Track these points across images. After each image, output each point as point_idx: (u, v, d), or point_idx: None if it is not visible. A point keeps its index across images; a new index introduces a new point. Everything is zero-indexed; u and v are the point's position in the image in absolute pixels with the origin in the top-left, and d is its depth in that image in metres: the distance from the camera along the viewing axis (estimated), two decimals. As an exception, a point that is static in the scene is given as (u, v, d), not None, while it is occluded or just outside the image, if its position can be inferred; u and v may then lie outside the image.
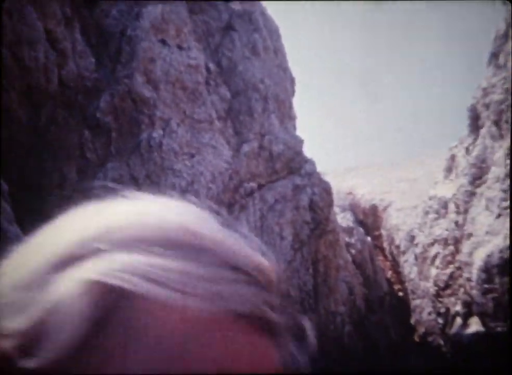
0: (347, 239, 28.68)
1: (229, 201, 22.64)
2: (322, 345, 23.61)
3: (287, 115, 25.98)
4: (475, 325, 23.01)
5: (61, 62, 17.79)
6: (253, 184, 23.58)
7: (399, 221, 30.23)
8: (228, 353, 0.60)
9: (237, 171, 23.00)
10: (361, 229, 30.67)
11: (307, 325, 0.74)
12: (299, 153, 25.26)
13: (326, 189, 25.46)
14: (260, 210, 23.47)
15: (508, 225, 22.28)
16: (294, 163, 24.94)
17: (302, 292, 23.33)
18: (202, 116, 22.57)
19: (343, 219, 30.10)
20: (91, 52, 19.28)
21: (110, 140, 19.73)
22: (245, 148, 23.56)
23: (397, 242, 29.86)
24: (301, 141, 25.65)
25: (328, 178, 27.74)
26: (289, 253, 23.31)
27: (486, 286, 22.31)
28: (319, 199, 24.86)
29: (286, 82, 27.19)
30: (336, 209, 29.29)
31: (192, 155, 21.90)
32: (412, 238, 28.38)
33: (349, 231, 29.30)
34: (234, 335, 0.62)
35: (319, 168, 27.09)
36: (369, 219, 32.39)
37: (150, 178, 20.46)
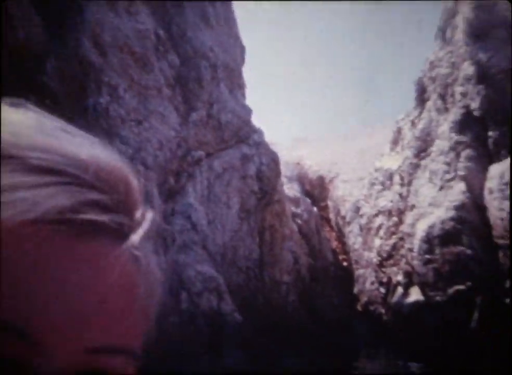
0: (293, 209, 28.88)
1: (177, 170, 22.53)
2: (267, 314, 23.90)
3: (236, 84, 25.87)
4: (415, 295, 23.54)
5: (7, 25, 17.30)
6: (201, 153, 23.49)
7: (346, 192, 30.59)
8: (22, 268, 0.53)
9: (184, 139, 22.86)
10: (308, 200, 30.93)
11: (148, 218, 0.65)
12: (247, 122, 25.25)
13: (274, 159, 25.57)
14: (208, 179, 23.43)
15: (450, 197, 22.80)
16: (243, 133, 24.93)
17: (248, 261, 23.50)
18: (150, 83, 22.28)
19: (290, 189, 30.30)
20: (37, 15, 18.76)
21: (56, 106, 19.34)
22: (194, 116, 23.42)
23: (343, 213, 30.24)
24: (249, 111, 25.63)
25: (276, 148, 27.85)
26: (236, 223, 23.40)
27: (427, 256, 22.80)
28: (267, 169, 24.96)
29: (236, 50, 27.03)
30: (283, 179, 29.45)
31: (140, 122, 21.66)
32: (357, 209, 28.77)
33: (296, 201, 29.52)
34: (32, 245, 0.54)
35: (268, 138, 27.20)
36: (316, 190, 32.69)
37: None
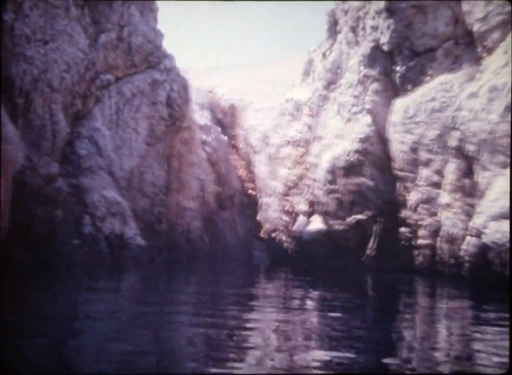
0: (203, 137, 28.89)
1: (84, 93, 22.07)
2: (171, 238, 24.17)
3: (148, 7, 25.24)
4: (316, 223, 24.18)
5: None
6: (110, 76, 23.04)
7: (256, 121, 30.71)
8: None
9: (93, 61, 22.32)
10: (218, 128, 30.95)
11: None
12: (158, 47, 24.81)
13: (184, 86, 25.35)
14: (117, 103, 23.08)
15: (356, 130, 23.27)
16: (153, 57, 24.51)
17: (154, 187, 23.53)
18: (57, 1, 21.49)
19: (201, 116, 30.20)
20: None
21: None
22: (103, 38, 22.81)
23: (252, 142, 30.43)
24: (161, 35, 25.14)
25: (189, 75, 27.57)
26: (143, 148, 23.27)
27: (330, 186, 23.37)
28: (177, 96, 24.76)
29: (149, -29, 26.26)
30: (195, 107, 29.31)
31: (46, 42, 20.99)
32: (266, 138, 28.98)
33: (206, 129, 29.50)
34: None
35: (181, 65, 26.86)
36: (227, 118, 32.68)
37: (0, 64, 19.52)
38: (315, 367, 6.31)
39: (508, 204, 15.61)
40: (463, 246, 17.51)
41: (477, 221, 16.55)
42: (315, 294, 14.44)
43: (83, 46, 22.01)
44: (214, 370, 6.10)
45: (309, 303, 11.99)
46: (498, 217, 16.05)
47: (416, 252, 20.49)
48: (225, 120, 32.50)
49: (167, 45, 25.64)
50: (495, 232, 15.71)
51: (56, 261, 18.28)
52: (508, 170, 16.56)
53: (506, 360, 6.83)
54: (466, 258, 17.04)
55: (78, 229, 19.57)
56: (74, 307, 10.76)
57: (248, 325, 8.66)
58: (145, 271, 19.11)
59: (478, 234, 16.41)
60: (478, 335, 8.34)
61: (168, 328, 8.38)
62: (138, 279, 17.50)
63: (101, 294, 12.72)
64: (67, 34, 21.61)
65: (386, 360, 6.76)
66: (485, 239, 15.92)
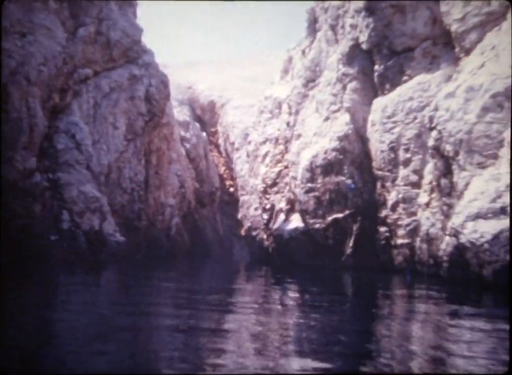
0: (182, 133, 28.79)
1: (62, 87, 21.87)
2: (151, 235, 24.06)
3: (127, 2, 25.09)
4: (296, 221, 24.22)
5: None
6: (88, 71, 22.86)
7: (236, 118, 30.71)
8: None
9: (71, 55, 22.12)
10: (197, 125, 30.85)
11: None
12: (137, 42, 24.67)
13: (163, 81, 25.23)
14: (94, 98, 22.91)
15: (334, 128, 23.30)
16: (132, 52, 24.36)
17: (133, 183, 23.41)
18: (36, -6, 21.30)
19: (180, 113, 30.09)
20: None
21: None
22: (81, 32, 22.62)
23: (232, 139, 30.41)
24: (140, 30, 24.99)
25: (168, 71, 27.43)
26: (122, 144, 23.14)
27: (309, 185, 23.40)
28: (156, 91, 24.64)
29: (129, -35, 26.09)
30: (174, 103, 29.18)
31: (24, 35, 20.75)
32: (246, 136, 28.98)
33: (185, 125, 29.40)
34: None
35: (161, 60, 26.74)
36: (206, 115, 32.61)
37: (-23, 56, 19.26)
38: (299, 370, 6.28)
39: (486, 204, 15.71)
40: (442, 246, 17.57)
41: (455, 221, 16.61)
42: (293, 293, 14.43)
43: (61, 39, 21.79)
44: (195, 372, 6.05)
45: (287, 303, 11.97)
46: (475, 218, 16.12)
47: (395, 251, 20.58)
48: (204, 116, 32.42)
49: (147, 39, 25.50)
50: (473, 232, 15.76)
51: (34, 256, 18.09)
52: (485, 170, 16.66)
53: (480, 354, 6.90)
54: (445, 258, 17.10)
55: (56, 224, 19.39)
56: (50, 302, 10.65)
57: (224, 327, 8.61)
58: (124, 267, 18.98)
59: (457, 234, 16.47)
60: (456, 333, 8.40)
61: (145, 328, 8.31)
62: (116, 275, 17.37)
63: (79, 290, 12.61)
64: (46, 27, 21.37)
65: (366, 360, 6.76)
66: (463, 239, 15.98)
